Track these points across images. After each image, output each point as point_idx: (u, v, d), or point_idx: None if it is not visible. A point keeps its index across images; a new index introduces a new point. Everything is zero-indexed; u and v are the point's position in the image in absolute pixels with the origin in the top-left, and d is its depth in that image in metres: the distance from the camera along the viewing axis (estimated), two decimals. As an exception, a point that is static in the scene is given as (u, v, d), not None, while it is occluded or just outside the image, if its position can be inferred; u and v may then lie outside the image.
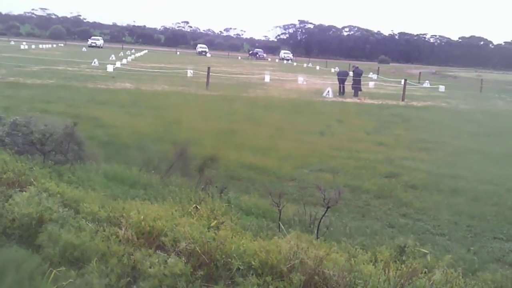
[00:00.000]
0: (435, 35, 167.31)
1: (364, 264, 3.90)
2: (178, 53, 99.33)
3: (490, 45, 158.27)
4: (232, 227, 4.72)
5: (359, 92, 31.89)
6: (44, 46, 79.75)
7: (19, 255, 3.96)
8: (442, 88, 41.98)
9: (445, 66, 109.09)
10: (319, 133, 16.80)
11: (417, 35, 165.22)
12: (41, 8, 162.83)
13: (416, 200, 9.86)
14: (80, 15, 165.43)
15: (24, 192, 4.94)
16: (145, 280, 3.71)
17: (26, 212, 4.45)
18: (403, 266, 3.91)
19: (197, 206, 5.33)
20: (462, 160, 13.82)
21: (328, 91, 30.65)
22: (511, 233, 8.28)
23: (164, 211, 4.84)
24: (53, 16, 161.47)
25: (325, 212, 5.59)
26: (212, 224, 4.60)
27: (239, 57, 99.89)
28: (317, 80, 42.57)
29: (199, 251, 3.87)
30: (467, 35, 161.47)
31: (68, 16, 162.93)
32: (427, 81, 47.53)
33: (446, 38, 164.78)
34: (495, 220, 8.98)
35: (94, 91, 24.59)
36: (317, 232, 5.30)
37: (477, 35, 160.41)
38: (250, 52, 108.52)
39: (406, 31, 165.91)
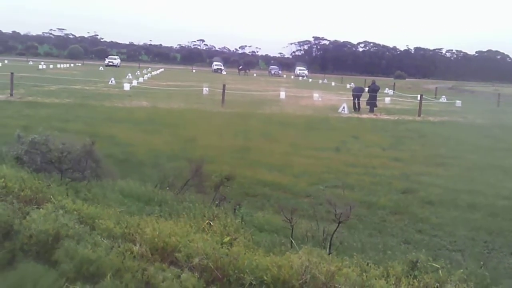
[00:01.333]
0: (451, 50, 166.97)
1: (375, 279, 3.90)
2: (193, 71, 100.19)
3: (508, 59, 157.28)
4: (245, 243, 4.76)
5: (374, 108, 31.83)
6: (62, 65, 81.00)
7: (36, 271, 4.03)
8: (458, 103, 41.75)
9: (462, 81, 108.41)
10: (335, 149, 16.79)
11: (433, 50, 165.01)
12: (59, 29, 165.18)
13: (433, 216, 9.80)
14: (97, 35, 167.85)
15: (41, 209, 5.03)
16: (159, 295, 3.76)
17: (43, 228, 4.53)
18: (415, 281, 3.91)
19: (211, 222, 5.38)
20: (480, 175, 13.72)
21: (344, 107, 30.65)
22: (529, 248, 8.20)
23: (178, 227, 4.89)
24: (71, 36, 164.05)
25: (336, 227, 5.59)
26: (225, 240, 4.64)
27: (255, 74, 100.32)
28: (333, 96, 42.60)
29: (212, 267, 3.91)
30: (484, 49, 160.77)
31: (86, 36, 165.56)
32: (443, 96, 47.34)
33: (463, 52, 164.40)
34: (512, 235, 8.89)
35: (111, 109, 24.86)
36: (330, 248, 5.31)
37: (494, 49, 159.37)
38: (240, 68, 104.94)
39: (422, 46, 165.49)
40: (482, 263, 5.61)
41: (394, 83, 67.57)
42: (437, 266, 4.32)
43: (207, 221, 5.42)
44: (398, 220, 9.59)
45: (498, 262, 7.20)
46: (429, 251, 6.99)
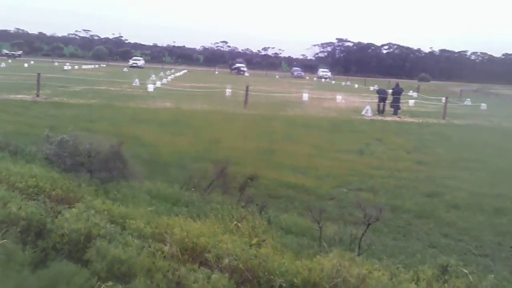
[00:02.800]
0: (476, 52, 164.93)
1: (406, 283, 3.90)
2: (216, 72, 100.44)
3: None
4: (273, 245, 4.79)
5: (398, 111, 31.61)
6: (86, 66, 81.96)
7: (69, 270, 4.10)
8: (484, 106, 41.23)
9: (487, 84, 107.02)
10: (358, 152, 16.71)
11: (458, 52, 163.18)
12: (84, 30, 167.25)
13: (459, 220, 9.70)
14: (121, 36, 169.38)
15: (72, 209, 5.12)
16: (190, 295, 3.80)
17: (75, 227, 4.61)
18: (445, 285, 3.89)
19: (238, 224, 5.42)
20: (506, 179, 13.54)
21: (367, 110, 30.49)
22: (557, 254, 8.08)
23: (207, 228, 4.94)
24: (96, 38, 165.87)
25: (366, 229, 5.58)
26: (253, 242, 4.67)
27: (277, 76, 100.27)
28: (356, 99, 42.41)
29: (242, 268, 3.95)
30: (510, 52, 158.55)
31: (110, 37, 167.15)
32: (468, 99, 46.77)
33: (488, 55, 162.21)
34: (540, 241, 8.77)
35: (136, 110, 25.08)
36: (359, 250, 5.31)
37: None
38: (233, 67, 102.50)
39: (447, 48, 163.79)
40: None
41: (418, 86, 66.99)
42: (467, 271, 4.30)
43: (235, 222, 5.45)
44: (424, 224, 9.52)
45: (527, 267, 7.11)
46: (455, 255, 6.95)
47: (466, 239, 8.69)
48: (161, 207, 6.71)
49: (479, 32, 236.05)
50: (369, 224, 5.46)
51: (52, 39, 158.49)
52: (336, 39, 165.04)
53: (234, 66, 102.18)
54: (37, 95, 28.46)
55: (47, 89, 32.25)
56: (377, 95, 33.39)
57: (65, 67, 71.45)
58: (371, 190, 11.57)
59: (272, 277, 3.89)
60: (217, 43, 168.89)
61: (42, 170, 7.22)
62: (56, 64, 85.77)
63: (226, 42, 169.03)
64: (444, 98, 34.45)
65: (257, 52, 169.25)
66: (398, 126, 25.56)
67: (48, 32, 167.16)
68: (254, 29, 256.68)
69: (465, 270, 4.30)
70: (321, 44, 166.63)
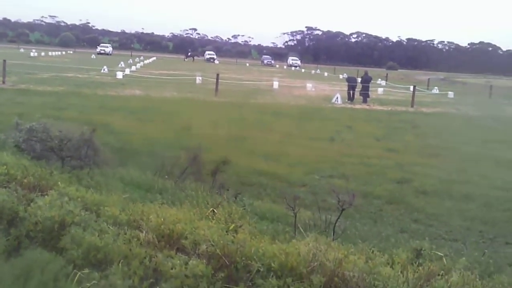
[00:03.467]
0: (443, 41, 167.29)
1: (382, 266, 3.96)
2: (185, 59, 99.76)
3: (499, 51, 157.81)
4: (250, 230, 4.81)
5: (368, 99, 31.93)
6: (53, 53, 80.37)
7: (43, 258, 4.05)
8: (451, 94, 41.90)
9: (454, 72, 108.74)
10: (329, 139, 16.85)
11: (425, 41, 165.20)
12: (51, 16, 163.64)
13: (428, 206, 9.89)
14: (89, 23, 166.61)
15: (45, 196, 5.05)
16: (167, 281, 3.80)
17: (48, 215, 4.54)
18: (420, 268, 3.97)
19: (214, 210, 5.43)
20: (473, 166, 13.82)
21: (337, 97, 30.69)
22: (524, 238, 8.31)
23: (183, 215, 4.93)
24: (62, 24, 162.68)
25: (340, 215, 5.66)
26: (230, 228, 4.68)
27: (247, 64, 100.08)
28: (326, 87, 42.62)
29: (219, 254, 3.95)
30: (476, 41, 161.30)
31: (77, 23, 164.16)
32: (435, 88, 47.47)
33: (455, 44, 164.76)
34: (507, 225, 9.01)
35: (105, 97, 24.78)
36: (333, 235, 5.38)
37: (486, 41, 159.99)
38: (189, 54, 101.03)
39: (414, 37, 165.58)
40: (485, 251, 5.69)
41: (387, 74, 67.65)
42: (441, 254, 4.39)
43: (211, 208, 5.46)
44: (394, 209, 9.69)
45: (494, 251, 7.29)
46: (424, 240, 7.09)
47: (436, 224, 8.87)
48: (135, 194, 6.67)
49: (446, 22, 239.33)
50: (342, 210, 5.54)
51: (17, 25, 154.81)
52: (306, 27, 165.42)
53: (189, 54, 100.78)
54: (3, 82, 27.89)
55: (13, 76, 31.59)
56: (347, 83, 33.66)
57: (32, 54, 69.98)
58: (342, 177, 11.69)
59: (249, 262, 3.91)
60: (186, 30, 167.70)
61: (12, 158, 7.09)
62: (22, 50, 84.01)
63: (195, 30, 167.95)
64: (412, 87, 34.89)
65: (227, 39, 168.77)
66: (367, 114, 25.83)
67: (13, 18, 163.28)
68: (224, 16, 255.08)
69: (439, 253, 4.40)
70: (291, 32, 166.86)
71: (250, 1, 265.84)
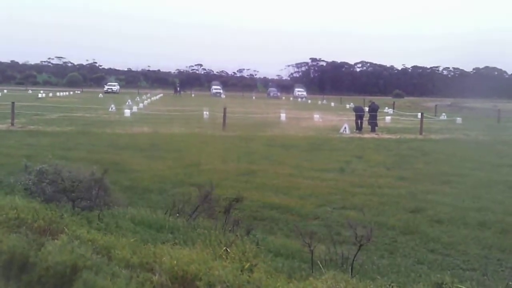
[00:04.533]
0: (448, 67, 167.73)
1: (403, 303, 3.85)
2: (193, 95, 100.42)
3: (505, 75, 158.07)
4: (265, 269, 4.70)
5: (376, 128, 31.89)
6: (61, 93, 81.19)
7: (55, 304, 3.96)
8: (459, 120, 41.82)
9: (460, 98, 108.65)
10: (339, 170, 16.74)
11: (430, 68, 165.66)
12: (57, 57, 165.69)
13: (443, 235, 9.72)
14: (95, 62, 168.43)
15: (56, 240, 4.98)
16: (183, 326, 3.69)
17: (60, 260, 4.47)
18: (442, 303, 3.85)
19: (228, 249, 5.32)
20: (487, 192, 13.66)
21: (345, 128, 30.69)
22: (543, 265, 8.11)
23: (196, 255, 4.83)
24: (69, 64, 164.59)
25: (357, 251, 5.53)
26: (245, 267, 4.58)
27: (254, 97, 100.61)
28: (333, 117, 42.68)
29: (235, 295, 3.85)
30: (481, 66, 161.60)
31: (84, 63, 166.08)
32: (443, 114, 47.45)
33: (460, 69, 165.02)
34: (525, 252, 8.82)
35: (113, 136, 24.86)
36: (351, 271, 5.25)
37: (491, 65, 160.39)
38: (177, 89, 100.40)
39: (419, 65, 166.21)
40: (510, 282, 5.53)
41: (394, 102, 67.77)
42: (463, 287, 4.26)
43: (224, 247, 5.36)
44: (409, 240, 9.52)
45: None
46: (443, 271, 6.93)
47: (453, 254, 8.69)
48: (146, 234, 6.57)
49: (450, 48, 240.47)
50: (361, 245, 5.40)
51: (25, 67, 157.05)
52: (310, 58, 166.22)
53: (177, 87, 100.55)
54: (12, 124, 28.07)
55: (22, 118, 31.85)
56: (354, 112, 33.70)
57: (39, 95, 70.65)
58: (354, 208, 11.56)
59: (266, 302, 3.81)
60: (192, 66, 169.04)
61: (22, 201, 7.05)
62: (30, 92, 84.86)
63: (201, 65, 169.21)
64: (419, 114, 34.85)
65: (233, 74, 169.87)
66: (376, 143, 25.72)
67: (20, 60, 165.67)
68: (229, 51, 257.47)
69: (461, 287, 4.26)
70: (296, 64, 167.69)
71: (255, 35, 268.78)
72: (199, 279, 4.24)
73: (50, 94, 75.49)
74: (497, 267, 8.04)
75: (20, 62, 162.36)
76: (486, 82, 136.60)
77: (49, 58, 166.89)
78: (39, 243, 5.02)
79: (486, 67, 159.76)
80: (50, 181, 7.75)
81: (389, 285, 4.43)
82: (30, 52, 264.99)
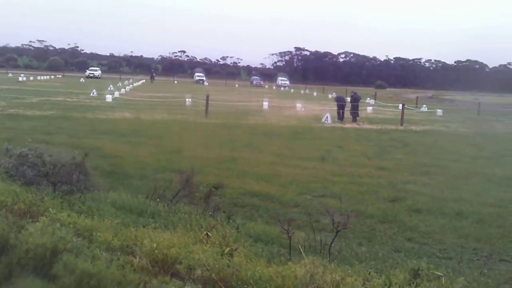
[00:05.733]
0: (430, 60, 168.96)
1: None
2: (175, 82, 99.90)
3: (486, 68, 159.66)
4: (245, 253, 4.76)
5: (357, 118, 32.09)
6: (42, 77, 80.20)
7: (35, 286, 3.99)
8: (440, 112, 42.16)
9: (442, 90, 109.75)
10: (320, 159, 16.83)
11: (412, 59, 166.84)
12: (39, 40, 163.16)
13: (421, 224, 9.87)
14: (77, 47, 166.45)
15: (37, 223, 4.97)
16: (163, 308, 3.73)
17: (40, 242, 4.47)
18: (418, 289, 3.94)
19: (208, 233, 5.37)
20: (465, 183, 13.86)
21: (327, 117, 30.81)
22: (517, 255, 8.30)
23: (177, 239, 4.87)
24: (51, 48, 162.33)
25: (335, 236, 5.62)
26: (225, 251, 4.63)
27: (237, 85, 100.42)
28: (315, 106, 42.80)
29: (215, 278, 3.90)
30: (463, 59, 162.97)
31: (66, 47, 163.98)
32: (424, 105, 47.80)
33: (442, 62, 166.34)
34: (501, 242, 9.01)
35: (94, 121, 24.71)
36: (329, 257, 5.33)
37: (473, 58, 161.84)
38: (152, 76, 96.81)
39: (401, 56, 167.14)
40: (485, 270, 5.65)
41: (376, 93, 68.07)
42: (439, 274, 4.35)
43: (205, 232, 5.40)
44: (387, 228, 9.64)
45: (489, 269, 7.25)
46: (419, 259, 7.05)
47: (430, 243, 8.84)
48: (127, 218, 6.59)
49: (432, 40, 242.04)
50: (338, 231, 5.49)
51: (5, 50, 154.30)
52: (294, 48, 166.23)
53: (152, 74, 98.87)
54: (-8, 107, 27.76)
55: (2, 101, 31.52)
56: (336, 102, 33.86)
57: (20, 78, 69.63)
58: (334, 197, 11.64)
59: (245, 286, 3.86)
60: (175, 52, 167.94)
61: (2, 184, 7.00)
62: (10, 75, 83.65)
63: (184, 52, 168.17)
64: (401, 105, 35.11)
65: (216, 61, 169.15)
66: (357, 133, 25.89)
67: (1, 43, 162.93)
68: (213, 38, 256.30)
69: (438, 273, 4.36)
70: (279, 53, 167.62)
71: (239, 23, 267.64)
72: (180, 263, 4.28)
73: (31, 78, 74.48)
74: (472, 256, 8.20)
75: (1, 45, 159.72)
76: (467, 75, 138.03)
77: (30, 41, 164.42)
78: (19, 225, 5.01)
79: (468, 60, 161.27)
80: (31, 164, 7.72)
81: (367, 270, 4.52)
82: (11, 34, 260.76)
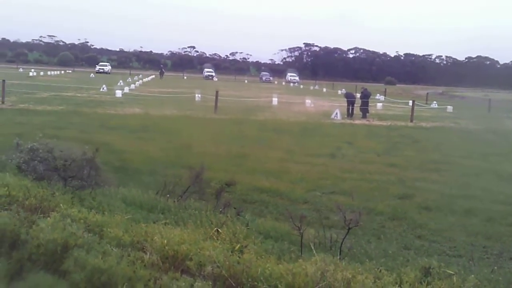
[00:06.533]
0: (441, 56, 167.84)
1: (390, 286, 3.91)
2: (185, 77, 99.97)
3: (497, 64, 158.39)
4: (256, 250, 4.75)
5: (367, 114, 31.98)
6: (52, 72, 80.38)
7: (46, 281, 4.00)
8: (450, 108, 41.93)
9: (452, 86, 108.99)
10: (330, 155, 16.81)
11: (423, 55, 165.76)
12: (49, 35, 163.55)
13: (431, 222, 9.85)
14: (87, 42, 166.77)
15: (48, 218, 4.99)
16: (173, 304, 3.74)
17: (51, 238, 4.48)
18: (429, 287, 3.92)
19: (219, 230, 5.37)
20: (475, 181, 13.79)
21: (336, 113, 30.70)
22: (528, 253, 8.25)
23: (187, 235, 4.88)
24: (61, 43, 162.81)
25: (346, 234, 5.62)
26: (236, 248, 4.63)
27: (246, 81, 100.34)
28: (325, 102, 42.67)
29: (225, 275, 3.91)
30: (474, 55, 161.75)
31: (76, 42, 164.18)
32: (434, 102, 47.55)
33: (452, 58, 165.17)
34: (511, 240, 8.96)
35: (104, 116, 24.78)
36: (340, 254, 5.32)
37: (483, 55, 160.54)
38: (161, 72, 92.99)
39: (412, 52, 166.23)
40: (495, 268, 5.62)
41: (385, 89, 67.81)
42: (451, 272, 4.33)
43: (215, 228, 5.41)
44: (397, 226, 9.63)
45: (499, 267, 7.21)
46: (429, 257, 7.01)
47: (440, 240, 8.82)
48: (137, 214, 6.62)
49: (443, 36, 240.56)
50: (349, 229, 5.48)
51: (16, 45, 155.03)
52: (304, 43, 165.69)
53: (161, 70, 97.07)
54: (2, 102, 27.89)
55: (13, 96, 31.61)
56: (345, 99, 33.75)
57: (30, 73, 69.93)
58: (344, 193, 11.64)
59: (256, 283, 3.86)
60: (184, 48, 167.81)
61: (14, 179, 7.05)
62: (21, 70, 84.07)
63: (193, 47, 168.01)
64: (411, 101, 34.95)
65: (225, 57, 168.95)
66: (367, 129, 25.83)
67: (11, 38, 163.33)
68: (222, 34, 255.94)
69: (449, 271, 4.34)
70: (289, 48, 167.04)
71: (248, 19, 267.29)
72: (190, 259, 4.29)
73: (41, 73, 74.74)
74: (483, 254, 8.16)
75: (11, 40, 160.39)
76: (478, 72, 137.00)
77: (40, 37, 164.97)
78: (30, 220, 5.03)
79: (479, 57, 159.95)
80: (42, 159, 7.75)
81: (377, 268, 4.50)
82: (22, 30, 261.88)
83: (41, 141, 8.60)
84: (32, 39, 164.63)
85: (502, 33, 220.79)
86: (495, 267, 5.82)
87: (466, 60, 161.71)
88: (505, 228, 9.65)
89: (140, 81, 66.93)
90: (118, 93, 38.82)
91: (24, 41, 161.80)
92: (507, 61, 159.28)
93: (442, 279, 4.21)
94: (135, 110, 28.94)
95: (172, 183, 9.20)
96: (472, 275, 4.35)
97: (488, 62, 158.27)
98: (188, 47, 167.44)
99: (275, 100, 39.74)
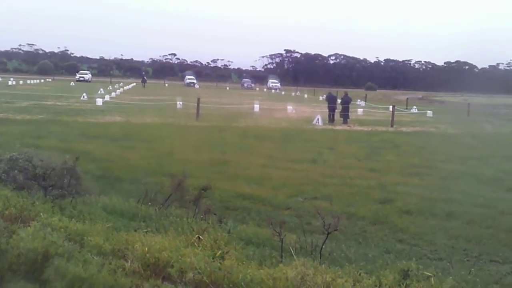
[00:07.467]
0: (420, 61, 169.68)
1: (369, 288, 3.97)
2: (166, 85, 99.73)
3: (475, 69, 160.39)
4: (237, 256, 4.77)
5: (348, 120, 32.20)
6: (32, 81, 79.73)
7: (26, 291, 3.97)
8: (430, 113, 42.36)
9: (431, 91, 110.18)
10: (311, 161, 16.90)
11: (402, 61, 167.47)
12: (28, 44, 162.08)
13: (412, 225, 9.95)
14: (67, 50, 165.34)
15: (28, 227, 4.96)
16: (154, 311, 3.74)
17: (31, 247, 4.45)
18: (407, 289, 3.98)
19: (200, 237, 5.38)
20: (455, 184, 13.96)
21: (318, 119, 30.86)
22: (507, 255, 8.37)
23: (168, 242, 4.88)
24: (41, 52, 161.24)
25: (326, 238, 5.67)
26: (217, 254, 4.65)
27: (227, 88, 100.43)
28: (306, 109, 42.88)
29: (207, 281, 3.92)
30: (452, 60, 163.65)
31: (56, 51, 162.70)
32: (414, 107, 48.01)
33: (432, 63, 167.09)
34: (490, 243, 9.09)
35: (85, 125, 24.64)
36: (320, 258, 5.37)
37: (462, 60, 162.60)
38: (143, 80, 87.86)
39: (391, 58, 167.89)
40: (472, 269, 5.72)
41: (366, 95, 68.29)
42: (429, 274, 4.40)
43: (196, 235, 5.42)
44: (378, 230, 9.73)
45: (479, 269, 7.31)
46: (410, 260, 7.09)
47: (421, 244, 8.92)
48: (118, 222, 6.60)
49: (422, 42, 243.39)
50: (328, 233, 5.54)
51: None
52: (284, 50, 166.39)
53: (144, 78, 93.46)
54: (-19, 112, 27.60)
55: (-9, 106, 31.29)
56: (326, 101, 33.95)
57: (10, 83, 69.25)
58: (326, 199, 11.67)
59: (237, 288, 3.89)
60: (165, 55, 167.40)
61: (-8, 189, 7.00)
62: (0, 79, 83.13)
63: (175, 55, 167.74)
64: (391, 106, 35.26)
65: (207, 64, 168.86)
66: (348, 135, 26.00)
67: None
68: (203, 41, 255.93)
69: (427, 273, 4.40)
70: (270, 55, 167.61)
71: (229, 25, 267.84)
72: (171, 266, 4.29)
73: (21, 82, 74.08)
74: (463, 257, 8.28)
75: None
76: (457, 76, 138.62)
77: (19, 45, 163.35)
78: (10, 230, 4.99)
79: (457, 62, 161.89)
80: (22, 168, 7.71)
81: (357, 271, 4.56)
82: (0, 39, 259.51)
83: (20, 150, 8.55)
84: (11, 48, 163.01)
85: (480, 38, 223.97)
86: (473, 269, 5.90)
87: (445, 65, 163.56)
88: (485, 231, 9.78)
89: (121, 89, 66.70)
90: (99, 101, 38.61)
91: (2, 49, 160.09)
92: (486, 66, 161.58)
93: (420, 281, 4.27)
94: (116, 118, 28.81)
95: (153, 191, 9.19)
96: (450, 277, 4.42)
97: (466, 67, 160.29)
98: (169, 54, 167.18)
99: (256, 107, 39.83)
